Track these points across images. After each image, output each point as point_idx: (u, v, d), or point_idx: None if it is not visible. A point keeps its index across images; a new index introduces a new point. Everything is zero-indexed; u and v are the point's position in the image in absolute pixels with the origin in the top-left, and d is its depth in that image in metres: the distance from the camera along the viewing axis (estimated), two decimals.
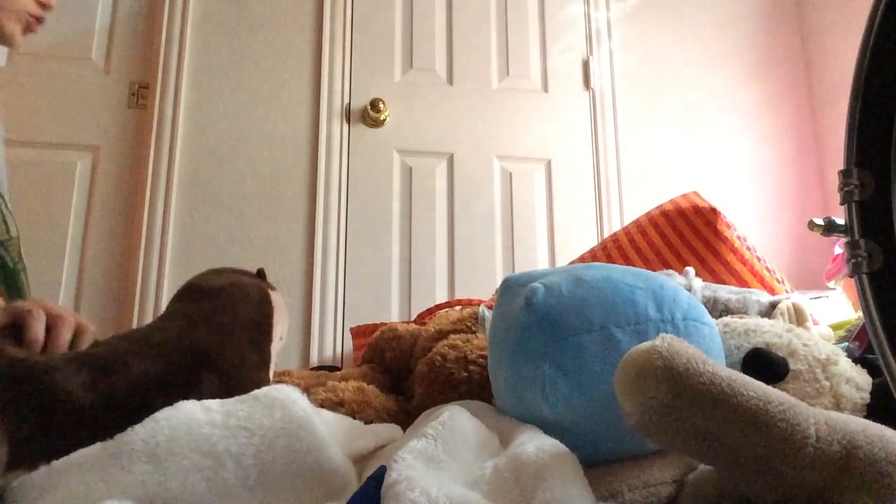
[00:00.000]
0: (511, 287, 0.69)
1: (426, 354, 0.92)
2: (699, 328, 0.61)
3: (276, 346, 0.76)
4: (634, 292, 0.61)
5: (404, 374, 1.02)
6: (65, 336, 0.61)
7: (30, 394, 0.51)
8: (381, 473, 0.48)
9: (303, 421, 0.50)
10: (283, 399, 0.51)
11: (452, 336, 0.91)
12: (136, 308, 2.01)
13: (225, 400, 0.53)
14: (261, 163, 2.17)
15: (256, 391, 0.53)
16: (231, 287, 0.74)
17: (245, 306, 0.72)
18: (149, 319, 2.01)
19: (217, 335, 0.66)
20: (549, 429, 0.58)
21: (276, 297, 0.79)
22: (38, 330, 0.59)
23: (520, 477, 0.48)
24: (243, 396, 0.53)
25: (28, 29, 0.99)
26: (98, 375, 0.56)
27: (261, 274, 0.84)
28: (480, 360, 0.84)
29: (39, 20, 1.00)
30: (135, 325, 2.00)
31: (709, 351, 0.61)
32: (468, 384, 0.82)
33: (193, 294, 0.73)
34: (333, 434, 0.54)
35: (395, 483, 0.44)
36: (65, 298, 1.99)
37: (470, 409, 0.64)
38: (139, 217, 2.07)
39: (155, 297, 2.03)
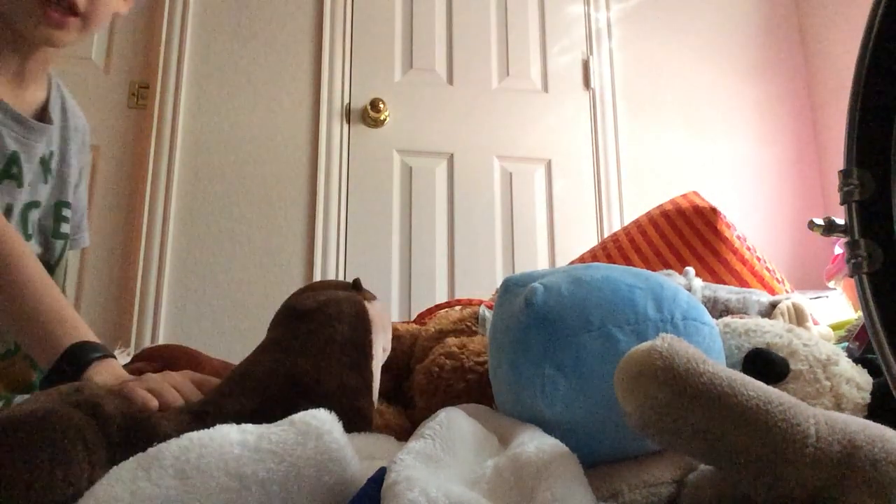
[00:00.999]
0: (511, 287, 0.69)
1: (426, 354, 0.92)
2: (699, 328, 0.61)
3: (379, 362, 0.73)
4: (634, 292, 0.60)
5: (404, 374, 1.02)
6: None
7: (136, 436, 0.55)
8: (381, 475, 0.48)
9: (335, 454, 0.50)
10: (318, 427, 0.51)
11: (450, 339, 0.91)
12: (136, 308, 2.01)
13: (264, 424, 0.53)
14: (261, 163, 2.17)
15: (294, 416, 0.52)
16: (324, 306, 0.71)
17: (340, 325, 0.69)
18: (149, 319, 2.01)
19: (312, 362, 0.65)
20: (549, 428, 0.58)
21: (374, 308, 0.76)
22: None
23: (520, 476, 0.48)
24: (281, 421, 0.52)
25: (52, 21, 0.84)
26: (196, 420, 0.59)
27: (356, 285, 0.80)
28: (478, 366, 0.84)
29: (63, 5, 0.83)
30: (135, 325, 2.00)
31: (709, 351, 0.61)
32: (467, 393, 0.83)
33: (288, 318, 0.71)
34: (371, 467, 0.54)
35: (395, 483, 0.44)
36: None
37: (468, 410, 0.64)
38: (139, 217, 2.07)
39: (155, 297, 2.03)
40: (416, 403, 0.88)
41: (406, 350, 1.05)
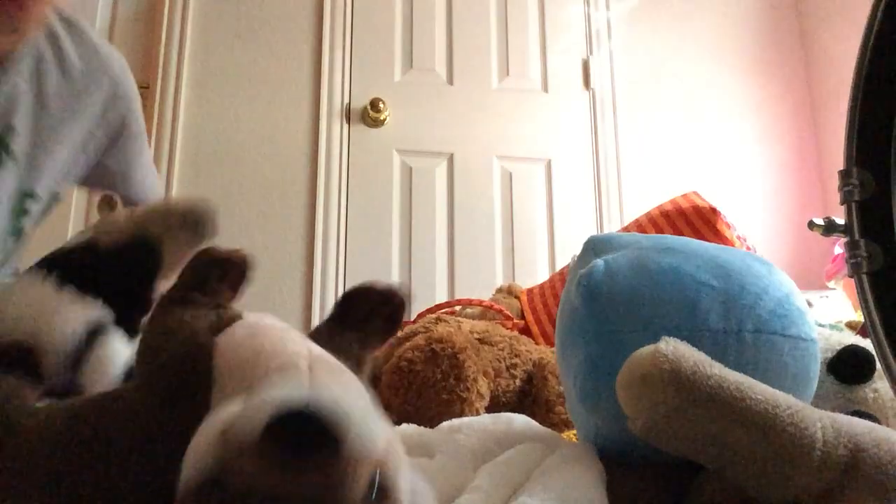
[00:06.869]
0: (588, 250, 0.63)
1: (388, 359, 0.91)
2: (776, 343, 0.52)
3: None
4: (700, 293, 0.53)
5: (372, 382, 1.02)
6: None
7: None
8: None
9: None
10: None
11: (418, 337, 0.90)
12: None
13: None
14: (261, 163, 2.17)
15: None
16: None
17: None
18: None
19: None
20: (585, 423, 0.57)
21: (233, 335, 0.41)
22: None
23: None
24: None
25: (5, 12, 0.64)
26: None
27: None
28: (448, 349, 0.84)
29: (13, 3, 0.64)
30: None
31: (783, 368, 0.53)
32: (444, 381, 0.82)
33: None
34: None
35: None
36: None
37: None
38: None
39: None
40: (390, 402, 0.88)
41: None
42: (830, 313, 1.43)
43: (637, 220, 1.51)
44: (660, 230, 1.40)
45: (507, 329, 1.19)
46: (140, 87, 2.19)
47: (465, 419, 0.65)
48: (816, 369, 0.56)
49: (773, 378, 0.49)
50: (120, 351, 0.57)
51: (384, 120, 2.25)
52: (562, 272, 1.54)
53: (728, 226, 1.33)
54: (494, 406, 0.90)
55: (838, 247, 1.82)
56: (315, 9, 2.30)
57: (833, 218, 0.59)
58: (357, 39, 2.31)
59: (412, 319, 1.66)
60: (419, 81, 2.32)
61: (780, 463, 0.41)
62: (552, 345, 1.11)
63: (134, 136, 0.92)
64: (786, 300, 0.55)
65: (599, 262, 0.57)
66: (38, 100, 0.80)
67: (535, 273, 2.11)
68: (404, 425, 0.62)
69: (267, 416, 0.26)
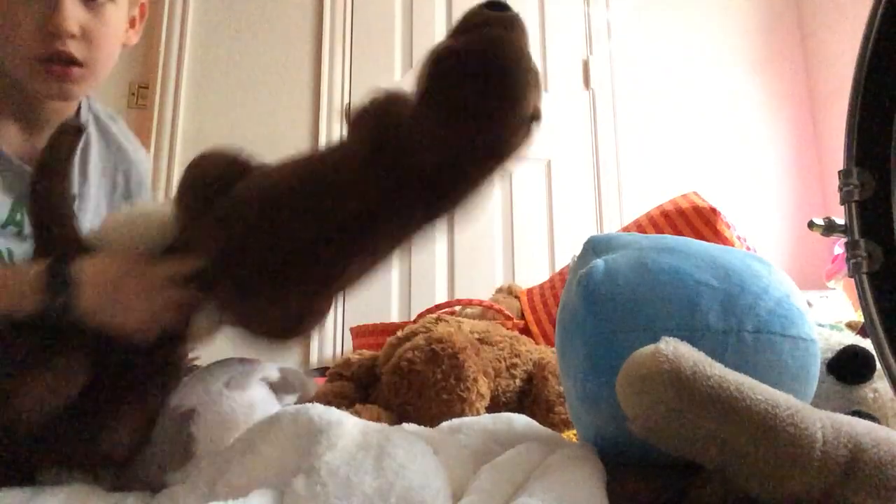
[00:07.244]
0: (588, 251, 0.63)
1: (389, 358, 0.92)
2: (776, 343, 0.53)
3: None
4: (700, 293, 0.53)
5: (371, 381, 1.02)
6: None
7: None
8: None
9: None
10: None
11: (418, 337, 0.90)
12: None
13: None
14: None
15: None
16: None
17: None
18: None
19: None
20: (584, 423, 0.57)
21: None
22: None
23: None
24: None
25: (56, 76, 0.82)
26: None
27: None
28: (448, 349, 0.84)
29: (62, 59, 0.81)
30: None
31: (784, 368, 0.53)
32: (445, 381, 0.82)
33: None
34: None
35: None
36: None
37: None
38: None
39: None
40: (390, 400, 0.88)
41: (369, 357, 1.04)
42: (830, 313, 1.43)
43: (637, 221, 1.51)
44: (660, 230, 1.40)
45: (507, 329, 1.19)
46: (140, 87, 2.21)
47: (465, 419, 0.65)
48: (816, 369, 0.56)
49: (773, 378, 0.49)
50: None
51: None
52: (562, 272, 1.54)
53: (728, 226, 1.33)
54: (494, 406, 0.90)
55: (838, 247, 1.83)
56: (315, 9, 2.30)
57: (833, 218, 0.59)
58: (357, 39, 2.31)
59: (412, 319, 1.66)
60: None
61: (780, 463, 0.41)
62: (552, 345, 1.11)
63: None
64: (786, 300, 0.55)
65: (599, 262, 0.57)
66: (82, 169, 0.96)
67: (535, 273, 2.11)
68: (405, 425, 0.62)
69: None
